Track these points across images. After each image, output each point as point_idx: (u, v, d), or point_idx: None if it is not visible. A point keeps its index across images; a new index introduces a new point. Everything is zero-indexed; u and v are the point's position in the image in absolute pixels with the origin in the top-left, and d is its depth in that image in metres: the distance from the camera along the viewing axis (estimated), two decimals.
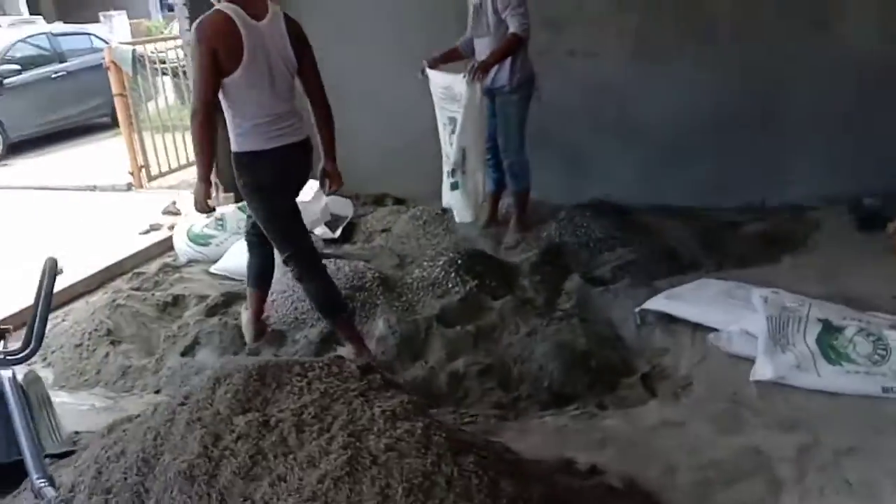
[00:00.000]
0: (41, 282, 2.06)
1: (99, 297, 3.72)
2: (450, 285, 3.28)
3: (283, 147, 2.64)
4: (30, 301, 3.72)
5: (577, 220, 3.93)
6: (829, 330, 2.60)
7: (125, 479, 1.27)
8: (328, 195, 3.45)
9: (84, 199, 6.10)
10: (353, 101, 5.16)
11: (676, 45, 4.44)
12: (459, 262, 3.39)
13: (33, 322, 2.08)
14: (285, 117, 2.64)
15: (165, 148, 6.24)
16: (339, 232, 4.28)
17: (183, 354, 3.12)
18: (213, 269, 3.90)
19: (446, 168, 3.94)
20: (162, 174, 6.32)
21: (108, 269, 4.18)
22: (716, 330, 2.85)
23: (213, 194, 2.80)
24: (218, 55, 2.47)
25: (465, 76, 3.59)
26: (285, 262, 2.81)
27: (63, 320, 3.65)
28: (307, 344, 3.04)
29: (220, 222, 4.05)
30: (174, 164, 6.29)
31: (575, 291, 3.31)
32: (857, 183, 4.23)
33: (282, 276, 3.46)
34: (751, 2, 4.24)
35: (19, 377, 1.98)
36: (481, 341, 2.93)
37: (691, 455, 2.19)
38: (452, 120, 3.86)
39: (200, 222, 4.12)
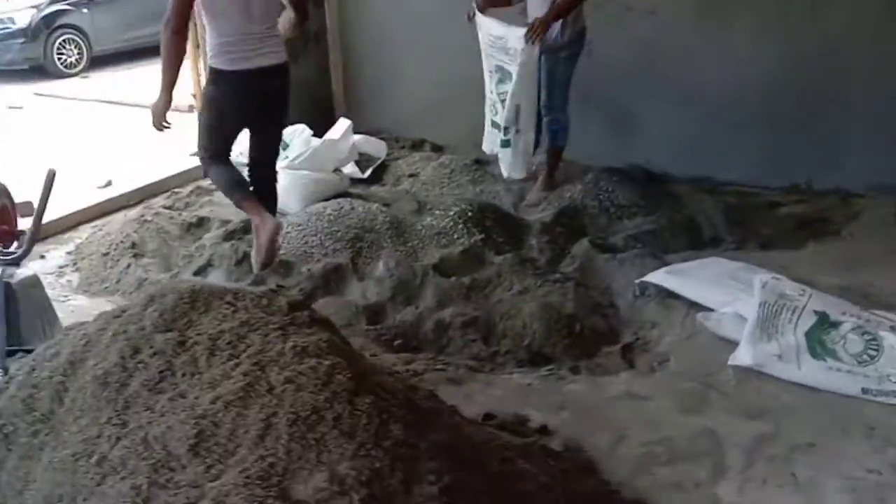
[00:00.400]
0: (42, 191, 2.20)
1: (135, 213, 3.93)
2: (455, 236, 3.31)
3: (246, 71, 2.69)
4: (65, 212, 4.06)
5: (602, 184, 3.86)
6: (824, 323, 2.51)
7: (51, 377, 1.40)
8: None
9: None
10: (398, 42, 5.19)
11: (742, 8, 4.21)
12: (469, 213, 3.41)
13: (33, 227, 2.24)
14: (256, 39, 2.67)
15: None
16: (368, 172, 4.35)
17: (195, 273, 3.29)
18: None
19: (491, 116, 3.91)
20: None
21: (148, 186, 4.40)
22: (710, 310, 2.80)
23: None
24: None
25: (525, 34, 3.49)
26: (198, 155, 3.00)
27: (100, 230, 3.89)
28: (309, 276, 3.15)
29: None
30: None
31: (581, 255, 3.29)
32: None
33: (299, 209, 3.60)
34: None
35: (20, 278, 2.14)
36: (473, 294, 2.97)
37: (645, 429, 2.20)
38: (500, 69, 3.81)
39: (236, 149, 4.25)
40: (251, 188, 3.12)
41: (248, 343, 1.40)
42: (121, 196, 4.33)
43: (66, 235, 3.99)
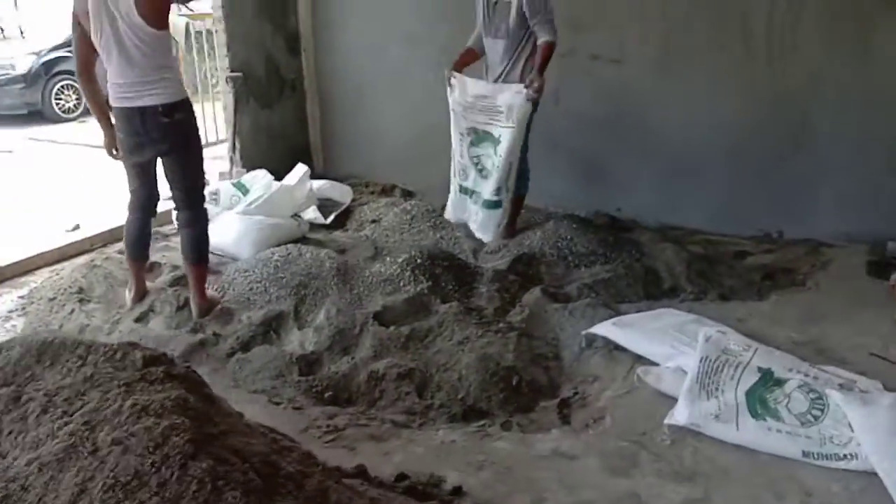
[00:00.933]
0: None
1: (88, 258, 3.88)
2: (402, 283, 3.23)
3: (125, 108, 2.97)
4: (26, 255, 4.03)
5: (562, 232, 3.78)
6: (768, 381, 2.39)
7: None
8: None
9: None
10: (375, 90, 5.21)
11: (705, 58, 4.18)
12: (418, 260, 3.33)
13: None
14: (133, 85, 2.92)
15: (214, 116, 6.37)
16: (331, 218, 4.30)
17: (137, 320, 3.21)
18: None
19: (459, 181, 3.91)
20: (214, 142, 6.50)
21: (111, 231, 4.36)
22: (655, 364, 2.69)
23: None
24: (81, 21, 2.90)
25: (523, 90, 3.53)
26: None
27: (56, 275, 3.84)
28: (248, 324, 3.07)
29: (214, 196, 4.14)
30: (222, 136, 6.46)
31: (531, 304, 3.19)
32: (886, 224, 3.88)
33: (252, 255, 3.54)
34: (789, 24, 3.91)
35: None
36: (412, 344, 2.87)
37: (566, 492, 2.07)
38: (473, 131, 3.78)
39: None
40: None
41: (86, 400, 1.32)
42: (83, 240, 4.29)
43: (23, 279, 3.94)
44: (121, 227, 4.32)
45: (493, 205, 3.79)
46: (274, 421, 2.44)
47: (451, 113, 3.86)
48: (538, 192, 4.69)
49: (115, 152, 3.18)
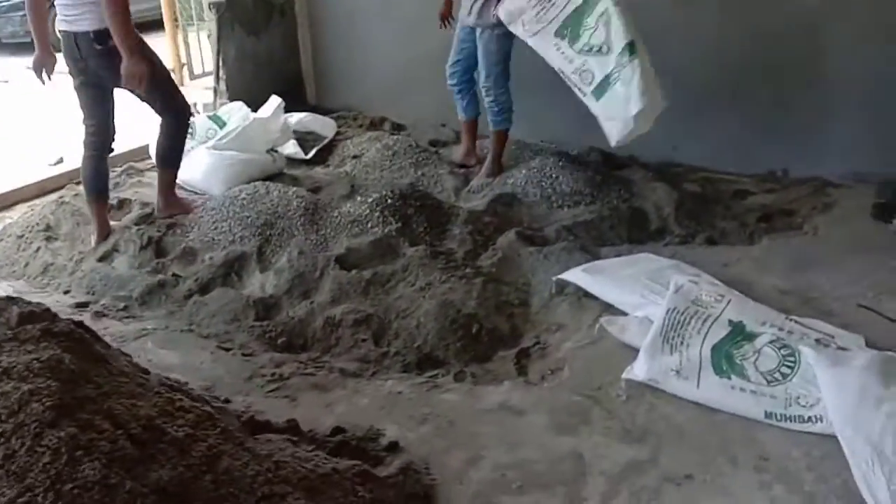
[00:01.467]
0: None
1: (58, 194, 3.79)
2: (369, 225, 3.09)
3: (62, 32, 2.99)
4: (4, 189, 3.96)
5: (547, 170, 3.59)
6: (737, 335, 2.23)
7: None
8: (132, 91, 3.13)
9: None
10: (368, 16, 4.94)
11: None
12: (389, 201, 3.18)
13: None
14: (69, 7, 2.92)
15: (200, 46, 6.18)
16: (311, 153, 4.14)
17: (100, 259, 3.14)
18: None
19: (587, 88, 3.25)
20: (206, 73, 6.33)
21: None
22: (624, 313, 2.54)
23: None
24: None
25: None
26: None
27: (31, 210, 3.77)
28: (210, 265, 2.98)
29: (190, 130, 3.99)
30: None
31: (504, 248, 3.04)
32: None
33: (221, 192, 3.43)
34: None
35: None
36: (372, 289, 2.75)
37: (506, 449, 1.97)
38: (562, 28, 3.22)
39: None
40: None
41: None
42: (61, 175, 4.21)
43: (1, 214, 3.89)
44: None
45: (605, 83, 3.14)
46: (218, 368, 2.38)
47: (531, 40, 3.33)
48: (533, 126, 4.48)
49: (42, 73, 3.19)
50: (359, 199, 3.26)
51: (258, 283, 2.91)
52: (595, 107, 3.22)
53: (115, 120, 3.20)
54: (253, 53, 5.18)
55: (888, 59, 3.50)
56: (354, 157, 4.08)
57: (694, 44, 3.94)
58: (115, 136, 3.21)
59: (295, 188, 3.39)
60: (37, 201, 3.95)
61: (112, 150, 3.22)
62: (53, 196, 3.88)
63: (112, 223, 3.31)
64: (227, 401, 2.19)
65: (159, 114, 3.28)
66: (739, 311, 2.32)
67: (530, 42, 3.34)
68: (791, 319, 2.33)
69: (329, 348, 2.56)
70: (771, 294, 2.69)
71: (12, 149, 4.76)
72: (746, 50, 3.82)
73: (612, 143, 3.25)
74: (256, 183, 3.39)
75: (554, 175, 3.54)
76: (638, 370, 2.20)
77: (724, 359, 2.17)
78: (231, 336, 2.61)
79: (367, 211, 3.13)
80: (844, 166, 3.76)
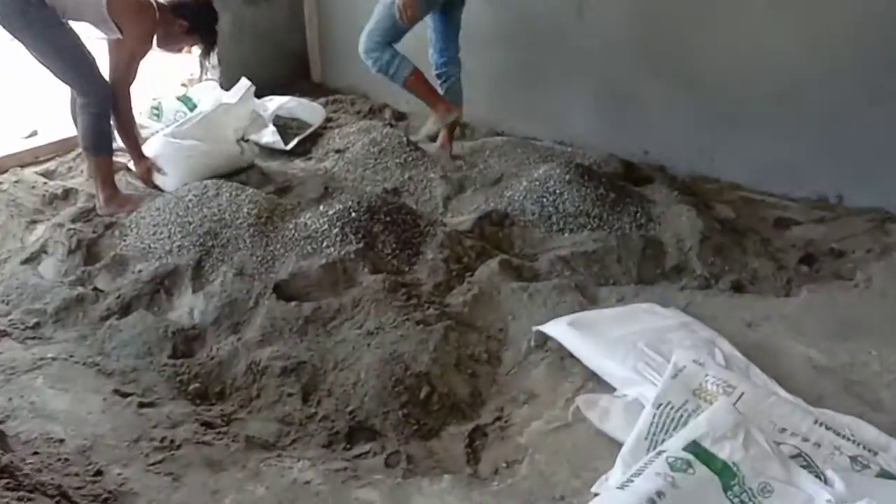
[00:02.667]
0: None
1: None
2: (325, 243, 2.61)
3: None
4: None
5: (551, 183, 3.04)
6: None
7: None
8: None
9: None
10: None
11: None
12: (353, 213, 2.69)
13: None
14: None
15: None
16: (292, 144, 3.67)
17: (24, 262, 2.75)
18: (132, 164, 3.47)
19: None
20: None
21: (67, 141, 3.86)
22: (611, 389, 2.03)
23: None
24: None
25: None
26: None
27: None
28: (135, 281, 2.55)
29: (156, 111, 3.57)
30: None
31: (482, 281, 2.54)
32: None
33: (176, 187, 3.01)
34: None
35: None
36: (311, 328, 2.29)
37: None
38: None
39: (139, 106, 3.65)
40: None
41: None
42: (24, 152, 3.83)
43: None
44: (57, 143, 3.90)
45: None
46: (105, 423, 1.97)
47: None
48: (553, 122, 3.96)
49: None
50: (321, 208, 2.78)
51: (187, 307, 2.47)
52: None
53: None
54: (252, 24, 4.71)
55: None
56: (338, 151, 3.60)
57: (739, 38, 3.32)
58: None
59: (252, 190, 2.93)
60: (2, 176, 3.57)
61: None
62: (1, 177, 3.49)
63: (53, 219, 2.95)
64: (98, 473, 1.77)
65: (78, 94, 2.95)
66: (753, 410, 1.79)
67: None
68: (821, 424, 1.78)
69: (249, 401, 2.12)
70: (802, 371, 2.14)
71: None
72: (799, 52, 3.19)
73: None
74: (208, 182, 2.94)
75: (558, 190, 3.00)
76: (613, 482, 1.70)
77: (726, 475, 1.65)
78: (138, 375, 2.19)
79: (326, 226, 2.66)
80: None
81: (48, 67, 2.85)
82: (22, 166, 3.62)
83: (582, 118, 3.93)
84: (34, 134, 4.18)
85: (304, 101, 3.91)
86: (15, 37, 2.81)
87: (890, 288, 2.59)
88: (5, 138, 3.96)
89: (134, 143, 3.11)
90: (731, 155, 3.56)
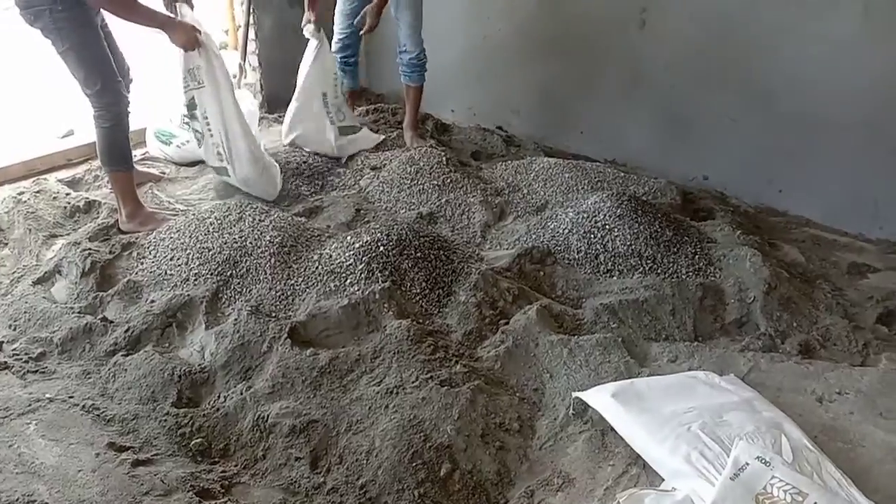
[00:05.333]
0: None
1: (22, 185, 3.28)
2: (348, 280, 2.41)
3: None
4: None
5: (600, 217, 2.78)
6: None
7: None
8: None
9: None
10: None
11: None
12: (381, 248, 2.48)
13: None
14: None
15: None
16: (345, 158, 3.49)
17: (37, 282, 2.62)
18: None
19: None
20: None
21: (75, 149, 3.75)
22: (658, 479, 1.77)
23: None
24: None
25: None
26: None
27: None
28: (146, 312, 2.39)
29: (187, 119, 3.40)
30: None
31: (517, 331, 2.29)
32: None
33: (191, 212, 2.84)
34: None
35: None
36: (326, 381, 2.09)
37: None
38: None
39: (172, 113, 3.51)
40: None
41: None
42: (55, 154, 3.73)
43: None
44: (80, 147, 3.77)
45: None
46: (93, 487, 1.80)
47: None
48: (607, 140, 3.69)
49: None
50: (348, 239, 2.58)
51: (198, 344, 2.30)
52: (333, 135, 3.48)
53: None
54: (295, 25, 4.51)
55: None
56: (374, 168, 3.39)
57: (815, 56, 2.98)
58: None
59: (277, 214, 2.74)
60: (25, 183, 3.47)
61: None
62: (23, 185, 3.38)
63: (71, 235, 2.82)
64: None
65: (92, 103, 2.76)
66: None
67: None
68: None
69: (253, 462, 1.94)
70: (884, 468, 1.84)
71: (25, 115, 4.32)
72: (890, 74, 2.83)
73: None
74: (231, 204, 2.76)
75: (608, 226, 2.73)
76: None
77: None
78: (138, 424, 2.02)
79: (351, 261, 2.45)
80: None
81: (68, 67, 2.69)
82: (51, 170, 3.52)
83: (638, 137, 3.64)
84: (70, 133, 4.08)
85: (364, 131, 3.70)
86: (41, 32, 2.66)
87: None
88: (41, 137, 3.88)
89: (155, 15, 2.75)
90: (801, 186, 3.24)
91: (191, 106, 2.97)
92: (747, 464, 1.62)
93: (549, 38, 3.71)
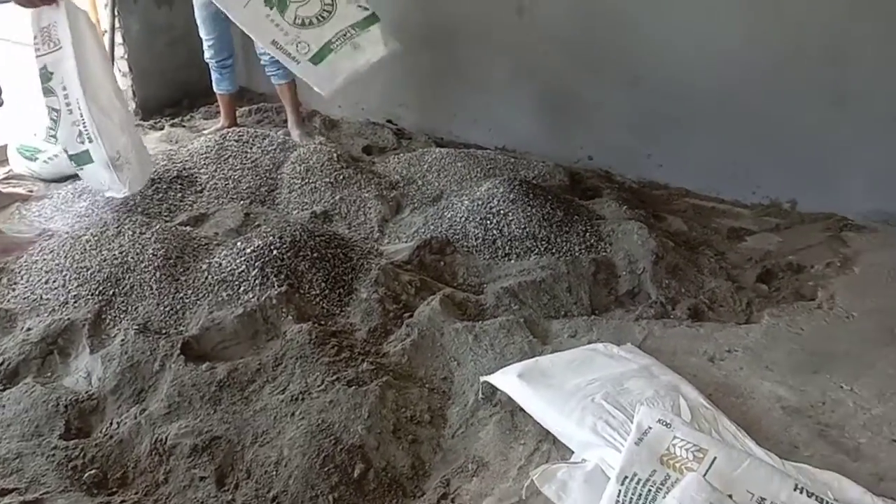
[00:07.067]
0: None
1: None
2: (242, 288, 2.32)
3: None
4: None
5: (495, 203, 2.81)
6: None
7: None
8: None
9: None
10: None
11: None
12: (274, 251, 2.40)
13: None
14: None
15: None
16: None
17: None
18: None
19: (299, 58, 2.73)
20: None
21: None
22: (569, 453, 1.81)
23: None
24: None
25: None
26: None
27: None
28: (22, 342, 2.21)
29: (53, 131, 3.17)
30: None
31: (422, 323, 2.28)
32: None
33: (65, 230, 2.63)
34: None
35: None
36: (227, 395, 2.01)
37: None
38: None
39: (36, 127, 3.27)
40: None
41: None
42: None
43: None
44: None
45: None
46: None
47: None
48: (495, 127, 3.73)
49: None
50: (238, 244, 2.48)
51: (84, 370, 2.15)
52: (310, 71, 2.73)
53: None
54: (166, 27, 4.32)
55: None
56: None
57: (687, 36, 3.13)
58: None
59: (160, 226, 2.59)
60: None
61: None
62: None
63: None
64: None
65: None
66: (728, 475, 1.59)
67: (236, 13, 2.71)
68: (802, 490, 1.59)
69: (155, 487, 1.83)
70: (772, 416, 1.97)
71: None
72: (755, 49, 3.01)
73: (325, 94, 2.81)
74: (108, 219, 2.59)
75: (502, 211, 2.77)
76: None
77: None
78: (23, 463, 1.86)
79: (244, 267, 2.36)
80: (869, 202, 3.01)
81: None
82: None
83: (524, 123, 3.71)
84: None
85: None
86: None
87: (854, 307, 2.45)
88: None
89: None
90: (678, 159, 3.40)
91: (44, 76, 2.50)
92: (650, 427, 1.67)
93: (432, 28, 3.71)
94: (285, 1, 2.67)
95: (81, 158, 2.62)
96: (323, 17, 2.71)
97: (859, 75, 2.84)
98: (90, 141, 2.56)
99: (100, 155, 2.57)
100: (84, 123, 2.51)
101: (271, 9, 2.66)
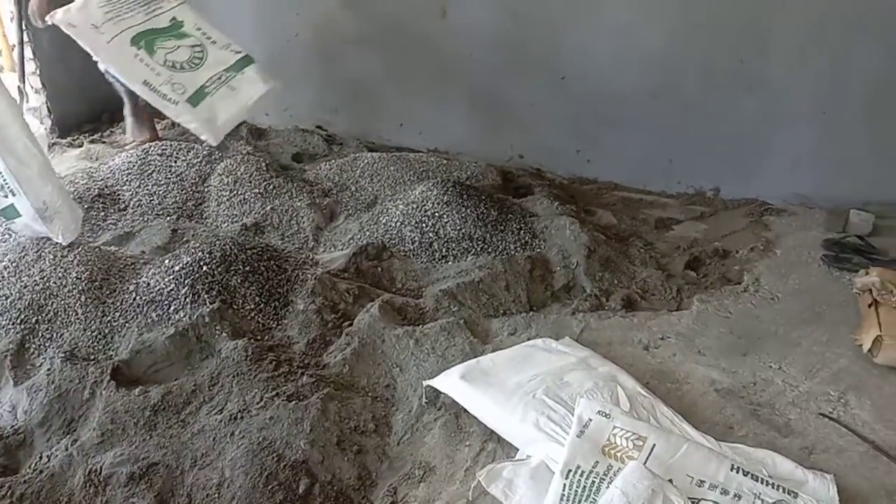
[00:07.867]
0: None
1: None
2: (173, 307, 2.25)
3: None
4: None
5: (429, 206, 2.81)
6: None
7: None
8: None
9: None
10: None
11: None
12: (204, 267, 2.34)
13: None
14: None
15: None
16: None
17: None
18: None
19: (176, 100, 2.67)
20: None
21: None
22: (514, 450, 1.83)
23: None
24: None
25: None
26: None
27: None
28: None
29: None
30: None
31: (362, 331, 2.26)
32: (853, 184, 3.01)
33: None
34: None
35: None
36: (162, 418, 1.94)
37: None
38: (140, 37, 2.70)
39: None
40: None
41: None
42: None
43: None
44: None
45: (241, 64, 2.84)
46: None
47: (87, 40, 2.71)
48: (426, 130, 3.73)
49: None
50: (166, 262, 2.41)
51: (8, 405, 2.05)
52: (189, 112, 2.66)
53: None
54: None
55: (846, 55, 2.85)
56: None
57: (608, 35, 3.21)
58: None
59: (82, 248, 2.49)
60: None
61: None
62: None
63: None
64: None
65: None
66: (666, 462, 1.64)
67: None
68: (738, 470, 1.65)
69: None
70: (707, 400, 2.03)
71: None
72: (672, 43, 3.11)
73: (212, 141, 2.74)
74: (26, 243, 2.48)
75: (437, 213, 2.77)
76: None
77: None
78: None
79: (173, 285, 2.29)
80: (788, 186, 3.15)
81: None
82: None
83: (455, 124, 3.72)
84: None
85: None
86: None
87: (778, 288, 2.55)
88: None
89: None
90: (606, 154, 3.47)
91: None
92: (590, 419, 1.70)
93: (358, 32, 3.68)
94: (152, 45, 2.66)
95: (8, 213, 2.48)
96: (194, 63, 2.72)
97: (773, 67, 2.96)
98: (14, 195, 2.42)
99: (26, 208, 2.44)
100: (3, 177, 2.39)
101: (139, 49, 2.62)
